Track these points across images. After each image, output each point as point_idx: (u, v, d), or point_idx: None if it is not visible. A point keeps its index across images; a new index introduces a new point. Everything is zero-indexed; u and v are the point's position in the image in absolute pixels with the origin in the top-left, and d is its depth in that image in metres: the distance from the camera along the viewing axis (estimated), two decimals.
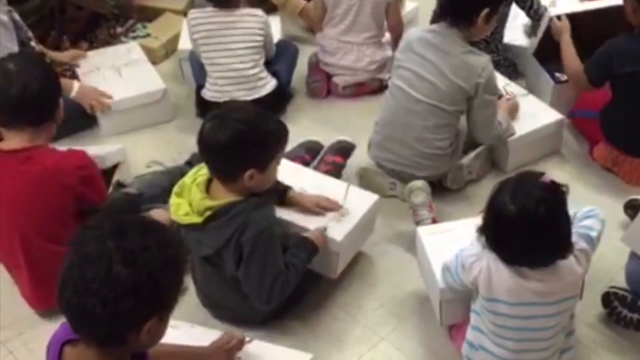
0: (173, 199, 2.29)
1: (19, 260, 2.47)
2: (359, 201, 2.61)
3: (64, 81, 3.37)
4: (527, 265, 1.95)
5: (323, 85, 3.67)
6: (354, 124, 3.41)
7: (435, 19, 3.38)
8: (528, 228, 1.89)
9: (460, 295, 2.21)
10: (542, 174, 1.96)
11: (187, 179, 2.30)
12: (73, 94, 3.32)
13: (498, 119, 2.94)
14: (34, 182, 2.36)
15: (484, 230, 1.99)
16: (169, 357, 1.96)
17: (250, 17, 3.28)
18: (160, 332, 1.54)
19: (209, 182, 2.27)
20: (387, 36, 3.68)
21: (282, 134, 2.27)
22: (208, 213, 2.20)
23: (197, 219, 2.21)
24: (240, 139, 2.15)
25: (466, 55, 2.75)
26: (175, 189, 2.30)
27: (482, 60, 2.76)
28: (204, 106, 3.38)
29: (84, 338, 1.50)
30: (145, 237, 1.47)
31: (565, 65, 3.15)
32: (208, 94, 3.37)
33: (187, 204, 2.24)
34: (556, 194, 1.92)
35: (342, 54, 3.59)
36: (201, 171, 2.29)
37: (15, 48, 3.12)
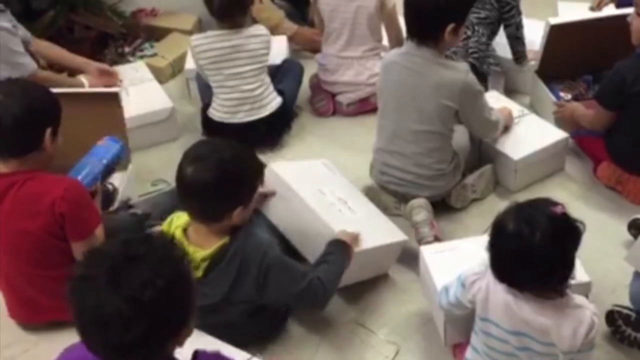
0: None
1: (7, 278, 2.51)
2: (387, 231, 2.63)
3: (73, 80, 3.46)
4: (513, 286, 1.94)
5: (328, 103, 3.69)
6: (359, 141, 3.42)
7: None
8: (518, 250, 1.86)
9: (464, 315, 2.20)
10: (557, 204, 1.91)
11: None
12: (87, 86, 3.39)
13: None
14: (13, 205, 2.34)
15: (487, 247, 1.99)
16: None
17: (254, 39, 3.29)
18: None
19: (185, 230, 2.22)
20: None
21: (260, 164, 2.28)
22: (204, 264, 2.17)
23: (196, 274, 2.12)
24: (228, 178, 2.12)
25: (442, 72, 2.72)
26: None
27: (459, 71, 2.74)
28: (210, 126, 3.41)
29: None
30: (138, 271, 1.45)
31: (586, 123, 3.13)
32: (216, 114, 3.38)
33: None
34: (563, 227, 1.87)
35: (343, 70, 3.62)
36: (174, 224, 2.24)
37: (21, 51, 3.16)
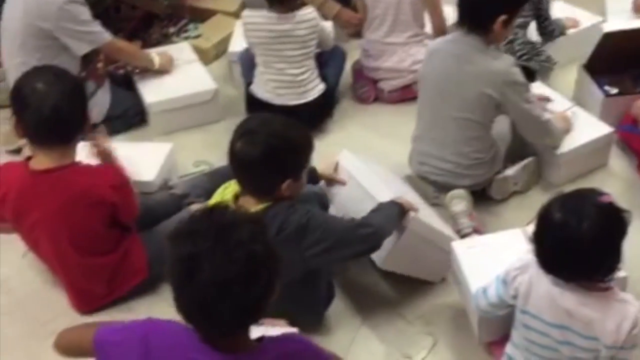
0: None
1: (59, 271, 2.57)
2: (445, 227, 2.64)
3: (145, 54, 3.56)
4: (560, 277, 1.93)
5: (370, 90, 3.69)
6: (400, 129, 3.38)
7: None
8: (565, 240, 1.86)
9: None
10: (604, 193, 1.91)
11: (214, 200, 2.29)
12: (156, 66, 3.47)
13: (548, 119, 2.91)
14: (66, 204, 2.39)
15: (532, 237, 1.98)
16: None
17: (304, 24, 3.28)
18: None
19: (235, 198, 2.25)
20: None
21: (310, 140, 2.28)
22: None
23: None
24: (276, 153, 2.14)
25: (488, 62, 2.72)
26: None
27: (505, 63, 2.73)
28: (253, 104, 3.43)
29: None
30: (239, 232, 1.50)
31: None
32: (258, 91, 3.39)
33: None
34: (610, 216, 1.87)
35: (386, 57, 3.61)
36: (228, 189, 2.28)
37: (91, 19, 3.19)
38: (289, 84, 3.34)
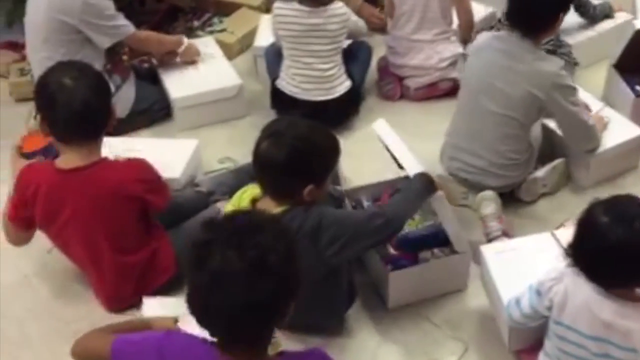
0: None
1: (91, 270, 2.55)
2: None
3: (171, 38, 3.58)
4: (602, 284, 1.90)
5: (396, 87, 3.65)
6: (427, 128, 3.37)
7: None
8: (612, 244, 1.83)
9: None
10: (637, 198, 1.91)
11: (230, 206, 2.27)
12: (182, 49, 3.48)
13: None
14: (98, 201, 2.38)
15: (573, 250, 1.95)
16: None
17: (335, 19, 3.25)
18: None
19: (253, 201, 2.23)
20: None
21: (337, 146, 2.25)
22: None
23: None
24: (300, 157, 2.12)
25: (538, 63, 2.70)
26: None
27: (555, 66, 2.71)
28: (279, 99, 3.40)
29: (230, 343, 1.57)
30: (261, 236, 1.51)
31: None
32: (284, 86, 3.36)
33: None
34: None
35: (413, 54, 3.56)
36: (245, 194, 2.26)
37: (116, 13, 3.19)
38: (317, 79, 3.30)
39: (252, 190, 2.26)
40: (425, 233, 2.65)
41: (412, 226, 2.67)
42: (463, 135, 2.88)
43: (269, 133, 2.17)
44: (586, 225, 1.90)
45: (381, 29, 3.83)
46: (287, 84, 3.35)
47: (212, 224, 1.56)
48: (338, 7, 3.27)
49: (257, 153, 2.16)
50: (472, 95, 2.83)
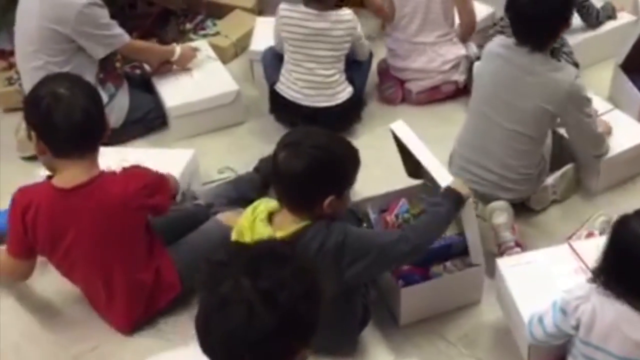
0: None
1: (100, 291, 2.44)
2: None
3: (164, 48, 3.48)
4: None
5: (397, 90, 3.56)
6: (430, 132, 3.22)
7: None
8: None
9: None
10: None
11: (244, 221, 2.16)
12: (175, 57, 3.38)
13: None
14: (105, 218, 2.28)
15: (603, 267, 1.89)
16: None
17: (340, 25, 3.16)
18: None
19: (270, 215, 2.14)
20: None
21: (356, 156, 2.17)
22: (288, 237, 2.07)
23: None
24: (319, 166, 2.04)
25: (552, 74, 2.60)
26: (234, 234, 2.18)
27: (568, 74, 2.62)
28: (278, 104, 3.31)
29: None
30: (280, 270, 1.40)
31: None
32: (286, 90, 3.27)
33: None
34: None
35: (414, 57, 3.48)
36: (258, 209, 2.16)
37: (112, 22, 3.10)
38: (319, 84, 3.22)
39: (266, 204, 2.17)
40: (437, 246, 2.56)
41: None
42: (473, 148, 2.79)
43: (286, 143, 2.09)
44: (620, 240, 1.84)
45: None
46: (288, 88, 3.26)
47: (233, 246, 1.52)
48: (345, 14, 3.18)
49: (275, 164, 2.08)
50: (482, 107, 2.74)
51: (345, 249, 2.09)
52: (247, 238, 2.10)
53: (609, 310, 1.87)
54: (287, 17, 3.18)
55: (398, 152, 2.74)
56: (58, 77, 2.39)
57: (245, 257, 1.43)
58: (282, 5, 3.23)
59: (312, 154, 2.03)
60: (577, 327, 1.94)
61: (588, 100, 2.68)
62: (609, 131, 2.96)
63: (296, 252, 1.51)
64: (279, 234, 2.07)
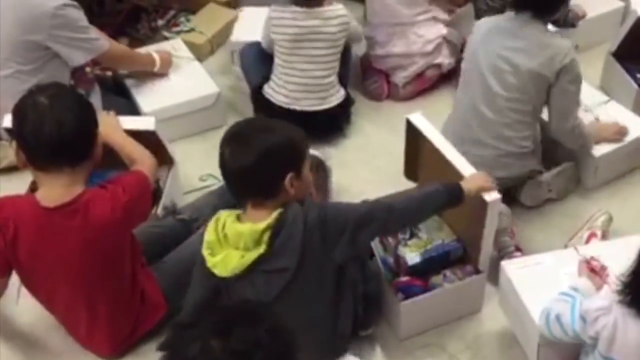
0: (211, 261, 2.03)
1: (82, 315, 2.31)
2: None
3: (145, 56, 3.26)
4: None
5: (382, 85, 3.43)
6: None
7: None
8: None
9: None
10: None
11: (210, 236, 2.04)
12: (156, 68, 3.23)
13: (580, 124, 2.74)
14: (88, 238, 2.14)
15: (632, 287, 1.80)
16: None
17: (334, 20, 3.04)
18: None
19: (238, 218, 2.05)
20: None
21: (300, 131, 2.12)
22: (267, 235, 1.99)
23: (259, 249, 1.99)
24: (268, 147, 1.99)
25: (547, 39, 2.60)
26: (205, 250, 2.05)
27: (565, 44, 2.60)
28: (264, 109, 3.16)
29: None
30: (254, 329, 1.29)
31: None
32: (275, 96, 3.13)
33: (233, 249, 2.01)
34: None
35: (394, 41, 3.36)
36: (222, 218, 2.05)
37: (90, 25, 2.94)
38: (311, 87, 3.09)
39: (224, 217, 2.05)
40: (436, 254, 2.47)
41: (421, 248, 2.47)
42: (469, 125, 2.71)
43: (228, 138, 2.05)
44: None
45: None
46: (276, 93, 3.12)
47: (202, 306, 1.44)
48: (337, 9, 3.06)
49: (224, 163, 2.03)
50: (477, 80, 2.67)
51: (328, 223, 2.04)
52: (224, 245, 2.01)
53: (632, 326, 1.80)
54: (277, 18, 3.05)
55: (405, 147, 2.66)
56: (49, 86, 2.24)
57: (214, 317, 1.32)
58: (272, 7, 3.10)
59: (258, 138, 2.00)
60: (595, 339, 1.88)
61: (577, 77, 2.64)
62: (618, 131, 2.89)
63: (270, 309, 1.39)
64: (261, 226, 1.97)
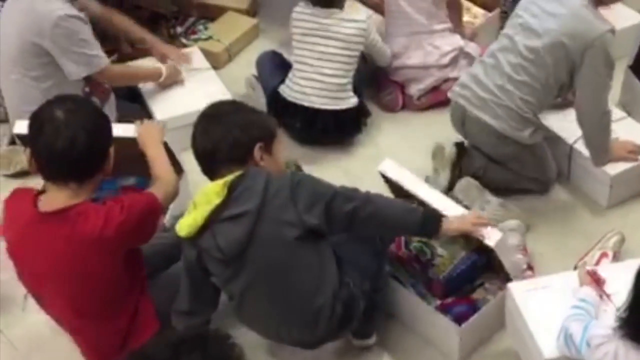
0: (184, 221, 2.13)
1: (72, 330, 2.33)
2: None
3: (148, 70, 3.28)
4: None
5: (397, 96, 3.42)
6: (437, 138, 3.06)
7: None
8: None
9: None
10: None
11: (193, 221, 2.11)
12: (162, 79, 3.24)
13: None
14: (76, 248, 2.12)
15: (630, 323, 1.80)
16: None
17: (349, 23, 3.12)
18: None
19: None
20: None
21: (270, 115, 2.37)
22: (227, 185, 2.07)
23: (221, 194, 2.06)
24: (236, 119, 2.16)
25: (586, 15, 2.58)
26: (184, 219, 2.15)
27: (600, 26, 2.56)
28: (276, 105, 3.19)
29: None
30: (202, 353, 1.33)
31: None
32: (286, 91, 3.18)
33: (202, 205, 2.09)
34: None
35: (410, 53, 3.35)
36: (197, 212, 2.11)
37: (93, 41, 2.94)
38: (321, 84, 3.14)
39: (200, 197, 2.12)
40: (464, 267, 2.45)
41: (447, 265, 2.45)
42: (483, 66, 2.80)
43: (197, 123, 2.24)
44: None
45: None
46: (290, 89, 3.18)
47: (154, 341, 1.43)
48: (356, 14, 3.17)
49: (194, 141, 2.20)
50: (509, 34, 2.74)
51: (301, 186, 2.10)
52: (195, 208, 2.11)
53: (634, 357, 1.80)
54: (298, 13, 3.18)
55: (391, 192, 2.62)
56: (68, 99, 2.25)
57: (164, 344, 1.35)
58: (298, 5, 3.22)
59: (224, 111, 2.20)
60: None
61: (608, 66, 2.61)
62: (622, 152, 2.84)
63: (206, 351, 1.37)
64: (221, 181, 2.07)
